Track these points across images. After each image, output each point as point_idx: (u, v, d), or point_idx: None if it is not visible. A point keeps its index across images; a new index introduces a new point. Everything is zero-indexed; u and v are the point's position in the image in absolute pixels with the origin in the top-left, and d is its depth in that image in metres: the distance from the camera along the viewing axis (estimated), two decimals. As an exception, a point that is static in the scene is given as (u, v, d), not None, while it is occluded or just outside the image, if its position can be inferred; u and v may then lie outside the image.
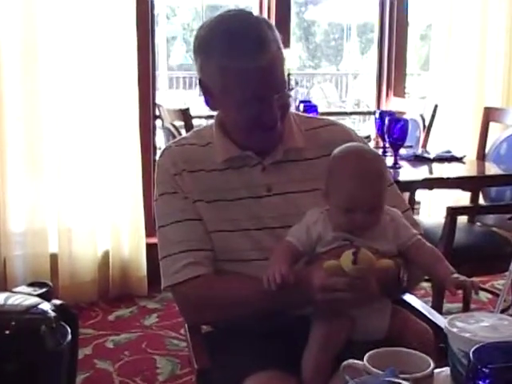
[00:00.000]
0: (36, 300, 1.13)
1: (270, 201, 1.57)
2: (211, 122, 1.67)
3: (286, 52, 4.13)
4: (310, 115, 1.89)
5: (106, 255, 3.79)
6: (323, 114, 4.27)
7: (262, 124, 1.50)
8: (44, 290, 1.20)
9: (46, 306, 1.13)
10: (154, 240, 3.84)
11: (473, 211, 3.34)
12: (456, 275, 1.34)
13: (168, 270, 1.57)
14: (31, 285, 1.22)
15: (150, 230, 3.87)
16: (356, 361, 1.12)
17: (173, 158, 1.61)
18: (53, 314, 1.11)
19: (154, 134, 4.05)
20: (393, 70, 4.64)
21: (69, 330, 1.13)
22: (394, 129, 3.02)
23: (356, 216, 1.38)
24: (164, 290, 1.60)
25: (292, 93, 3.76)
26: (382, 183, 1.44)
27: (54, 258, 3.63)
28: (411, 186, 3.13)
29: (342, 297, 1.34)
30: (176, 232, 1.57)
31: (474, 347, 0.92)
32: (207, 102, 1.58)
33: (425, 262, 1.42)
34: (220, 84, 1.50)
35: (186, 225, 1.57)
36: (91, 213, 3.68)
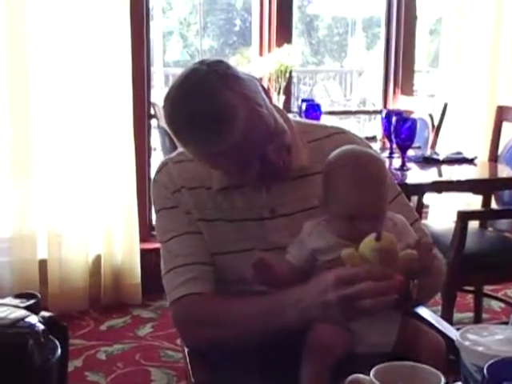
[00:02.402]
0: (23, 313, 1.12)
1: (274, 223, 1.55)
2: None
3: (287, 48, 4.10)
4: (312, 122, 1.85)
5: (98, 261, 3.78)
6: (326, 113, 4.27)
7: (267, 176, 1.50)
8: (32, 301, 1.19)
9: (33, 319, 1.11)
10: (148, 245, 3.89)
11: (485, 216, 3.33)
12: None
13: (169, 285, 1.57)
14: (18, 296, 1.21)
15: (144, 235, 3.87)
16: (362, 375, 1.11)
17: (170, 176, 1.61)
18: (41, 327, 1.10)
19: (149, 134, 4.04)
20: (400, 67, 4.63)
21: (58, 345, 1.12)
22: (401, 129, 3.01)
23: (358, 223, 1.36)
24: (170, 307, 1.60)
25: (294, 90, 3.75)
26: (383, 187, 1.42)
27: (43, 264, 3.62)
28: (419, 189, 3.13)
29: (364, 289, 1.27)
30: (177, 246, 1.57)
31: (489, 362, 0.91)
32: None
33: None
34: (208, 163, 1.51)
35: (185, 238, 1.57)
36: (82, 217, 3.67)
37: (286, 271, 1.42)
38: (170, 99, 1.46)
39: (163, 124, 3.33)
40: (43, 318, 1.15)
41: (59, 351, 1.11)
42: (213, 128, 1.39)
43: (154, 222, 3.99)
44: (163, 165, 1.65)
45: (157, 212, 1.63)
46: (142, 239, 3.83)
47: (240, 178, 1.53)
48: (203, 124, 1.40)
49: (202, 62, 1.46)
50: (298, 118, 1.91)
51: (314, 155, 1.60)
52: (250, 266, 1.43)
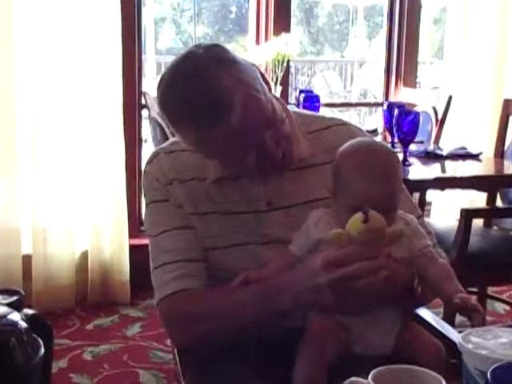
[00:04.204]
0: (5, 310, 1.12)
1: (270, 216, 1.55)
2: None
3: (285, 37, 4.08)
4: (312, 113, 1.86)
5: (85, 257, 3.77)
6: (326, 105, 4.27)
7: (266, 168, 1.50)
8: (15, 298, 1.18)
9: (16, 317, 1.11)
10: (138, 241, 3.88)
11: (489, 214, 3.33)
12: (465, 294, 1.33)
13: (158, 282, 1.57)
14: (0, 292, 1.20)
15: (133, 230, 3.87)
16: (360, 379, 1.11)
17: (162, 167, 1.61)
18: (24, 325, 1.10)
19: (140, 125, 4.03)
20: (403, 58, 4.63)
21: (42, 344, 1.11)
22: (403, 122, 3.02)
23: None
24: (158, 306, 1.59)
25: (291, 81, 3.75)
26: (396, 180, 1.42)
27: (27, 259, 3.61)
28: (422, 186, 3.13)
29: (353, 271, 1.29)
30: (167, 241, 1.57)
31: (492, 366, 0.91)
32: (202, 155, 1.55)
33: (434, 276, 1.40)
34: (204, 150, 1.50)
35: (176, 233, 1.56)
36: (69, 210, 3.67)
37: (287, 264, 1.43)
38: (165, 82, 1.46)
39: (155, 114, 3.33)
40: (26, 315, 1.15)
41: (42, 351, 1.10)
42: (208, 110, 1.39)
43: (144, 217, 3.98)
44: (155, 155, 1.65)
45: (147, 204, 1.63)
46: (132, 235, 3.82)
47: (236, 168, 1.52)
48: (198, 107, 1.40)
49: (197, 46, 1.47)
50: (296, 109, 1.91)
51: (313, 147, 1.60)
52: (244, 262, 1.44)
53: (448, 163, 3.26)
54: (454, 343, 1.30)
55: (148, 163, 1.65)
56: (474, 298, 1.35)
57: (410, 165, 3.03)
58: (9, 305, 1.15)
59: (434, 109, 3.87)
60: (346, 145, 1.46)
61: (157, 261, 1.57)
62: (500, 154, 3.49)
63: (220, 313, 1.48)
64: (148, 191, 1.63)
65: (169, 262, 1.55)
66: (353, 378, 1.13)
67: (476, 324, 1.25)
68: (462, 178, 3.09)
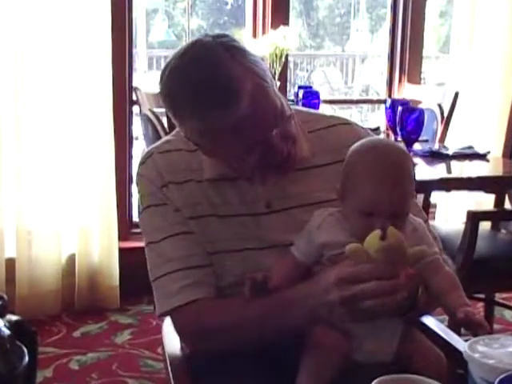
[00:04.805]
0: (-13, 316, 1.12)
1: (270, 219, 1.55)
2: None
3: (284, 30, 4.07)
4: (313, 111, 1.85)
5: (72, 261, 3.77)
6: (326, 101, 4.27)
7: (269, 167, 1.50)
8: (-3, 303, 1.18)
9: (-2, 323, 1.11)
10: (128, 244, 3.88)
11: (497, 216, 3.33)
12: (470, 308, 1.32)
13: (163, 292, 1.55)
14: (-18, 298, 1.20)
15: (123, 233, 3.87)
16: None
17: (157, 169, 1.59)
18: (7, 332, 1.10)
19: (131, 122, 4.03)
20: (407, 52, 4.64)
21: (26, 352, 1.11)
22: (407, 120, 3.02)
23: (377, 221, 1.35)
24: (160, 316, 1.58)
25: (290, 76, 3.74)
26: (409, 183, 1.43)
27: (10, 263, 3.61)
28: (426, 187, 3.13)
29: (366, 290, 1.29)
30: (170, 248, 1.55)
31: (500, 377, 0.91)
32: (202, 152, 1.55)
33: (438, 287, 1.39)
34: (205, 143, 1.49)
35: (181, 239, 1.55)
36: (55, 211, 3.66)
37: (290, 269, 1.44)
38: (170, 69, 1.45)
39: (146, 111, 3.33)
40: (9, 321, 1.15)
41: (27, 359, 1.11)
42: (216, 100, 1.38)
43: (135, 219, 3.99)
44: (148, 156, 1.63)
45: (144, 209, 1.61)
46: (122, 237, 3.82)
47: (237, 167, 1.52)
48: (205, 92, 1.39)
49: (205, 35, 1.47)
50: (296, 107, 1.90)
51: (314, 147, 1.60)
52: (243, 268, 1.44)
53: (454, 163, 3.25)
54: (459, 352, 1.30)
55: (141, 164, 1.63)
56: (479, 312, 1.34)
57: (414, 165, 3.02)
58: (-9, 310, 1.15)
59: (440, 106, 3.87)
60: (357, 144, 1.46)
61: (160, 269, 1.56)
62: (509, 153, 3.49)
63: (237, 325, 1.48)
64: (144, 195, 1.61)
65: (174, 270, 1.53)
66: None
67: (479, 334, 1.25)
68: (468, 179, 3.08)
